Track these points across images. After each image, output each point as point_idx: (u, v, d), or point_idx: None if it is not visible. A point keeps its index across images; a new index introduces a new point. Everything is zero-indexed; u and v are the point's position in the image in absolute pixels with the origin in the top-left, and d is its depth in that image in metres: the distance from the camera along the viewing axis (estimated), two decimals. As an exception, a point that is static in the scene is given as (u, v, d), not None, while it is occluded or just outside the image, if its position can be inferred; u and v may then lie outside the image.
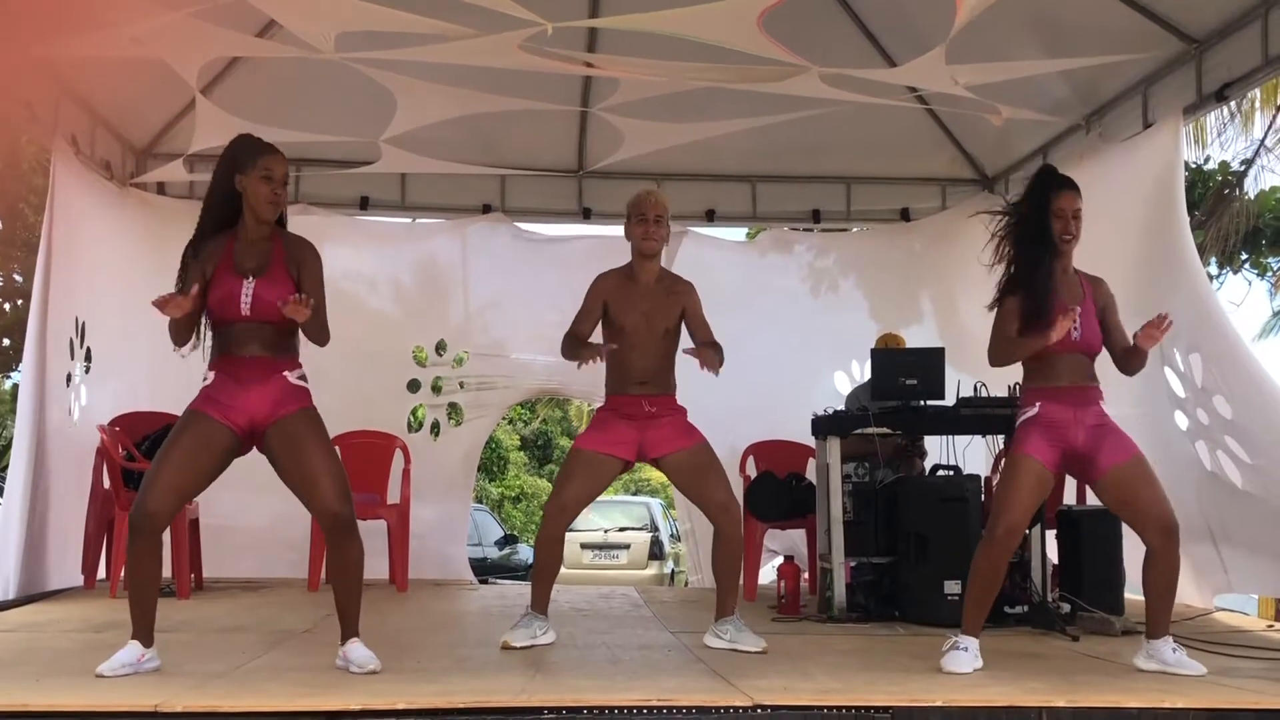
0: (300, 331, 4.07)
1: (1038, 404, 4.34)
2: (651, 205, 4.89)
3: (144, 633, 3.96)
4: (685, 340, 4.89)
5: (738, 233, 12.26)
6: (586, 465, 4.76)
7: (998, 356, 4.44)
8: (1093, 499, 6.51)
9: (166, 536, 6.46)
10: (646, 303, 4.84)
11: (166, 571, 6.45)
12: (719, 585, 4.84)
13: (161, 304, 3.91)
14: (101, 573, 6.57)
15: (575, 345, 4.81)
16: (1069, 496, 6.36)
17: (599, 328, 4.92)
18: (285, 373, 4.04)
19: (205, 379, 4.06)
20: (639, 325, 4.80)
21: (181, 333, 4.06)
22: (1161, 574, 4.30)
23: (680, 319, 4.88)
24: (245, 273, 4.02)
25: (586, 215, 8.65)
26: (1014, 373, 5.82)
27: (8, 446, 28.66)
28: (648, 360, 4.81)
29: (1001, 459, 6.22)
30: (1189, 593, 6.29)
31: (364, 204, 8.46)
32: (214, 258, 4.05)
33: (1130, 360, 4.42)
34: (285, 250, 4.11)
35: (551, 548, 4.80)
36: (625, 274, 4.94)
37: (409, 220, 9.16)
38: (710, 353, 4.69)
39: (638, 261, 4.93)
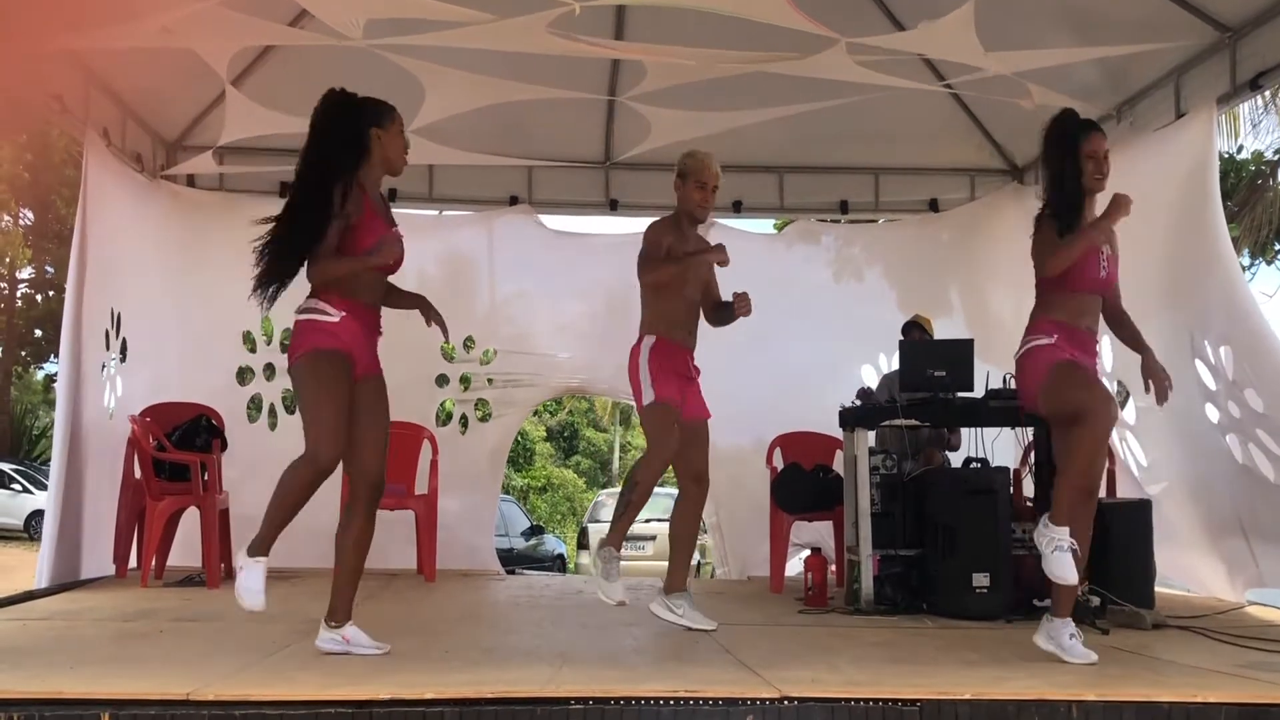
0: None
1: (1056, 335, 4.31)
2: (714, 175, 5.04)
3: (265, 547, 4.03)
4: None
5: (765, 224, 12.22)
6: (674, 418, 4.89)
7: (1055, 263, 4.28)
8: (1123, 491, 6.51)
9: (195, 527, 6.56)
10: (700, 260, 5.04)
11: (195, 562, 6.58)
12: (675, 554, 5.00)
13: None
14: (133, 562, 6.62)
15: (669, 260, 4.92)
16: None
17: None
18: (381, 334, 4.22)
19: (327, 314, 4.05)
20: (690, 276, 4.99)
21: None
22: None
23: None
24: (389, 223, 4.17)
25: (613, 206, 8.65)
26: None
27: (40, 436, 28.83)
28: (693, 310, 5.03)
29: (1030, 451, 6.18)
30: (1221, 586, 6.25)
31: (392, 195, 8.47)
32: (356, 202, 4.08)
33: (1117, 324, 4.55)
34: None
35: (650, 491, 4.88)
36: (678, 225, 5.07)
37: (435, 212, 9.18)
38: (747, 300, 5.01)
39: (687, 221, 5.08)
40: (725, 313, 5.15)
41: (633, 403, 5.13)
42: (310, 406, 4.03)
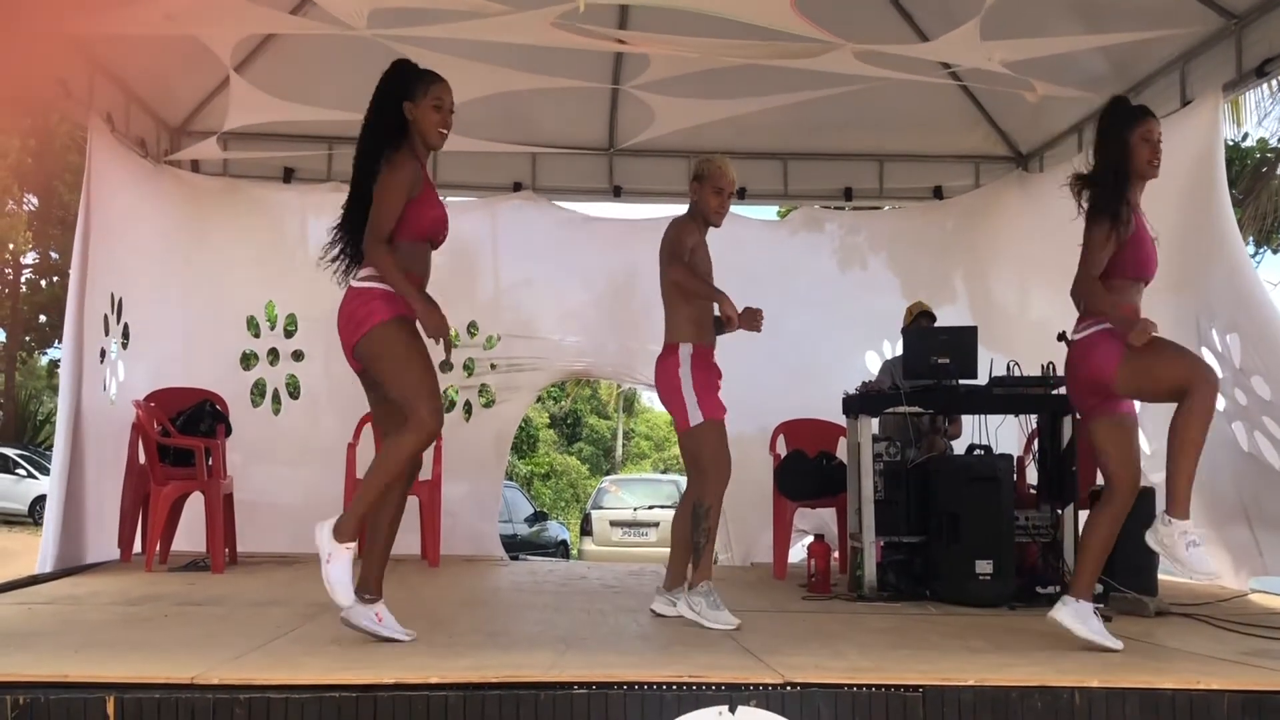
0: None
1: None
2: (730, 181, 5.02)
3: (354, 531, 3.97)
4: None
5: (769, 211, 12.21)
6: (724, 434, 4.90)
7: (1082, 291, 4.15)
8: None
9: (199, 512, 6.57)
10: (708, 260, 5.03)
11: (200, 546, 6.59)
12: (676, 554, 4.88)
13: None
14: (137, 546, 6.64)
15: (712, 290, 4.87)
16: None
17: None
18: None
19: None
20: (706, 272, 4.98)
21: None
22: (1111, 533, 4.22)
23: None
24: (441, 199, 4.19)
25: (617, 193, 8.64)
26: (1048, 352, 5.81)
27: (45, 421, 28.96)
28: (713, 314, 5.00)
29: (1034, 438, 6.18)
30: (1224, 574, 6.24)
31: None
32: (414, 176, 4.08)
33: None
34: None
35: (720, 512, 4.88)
36: (698, 227, 5.04)
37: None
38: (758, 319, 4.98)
39: (701, 224, 5.05)
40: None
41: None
42: (403, 372, 3.99)
